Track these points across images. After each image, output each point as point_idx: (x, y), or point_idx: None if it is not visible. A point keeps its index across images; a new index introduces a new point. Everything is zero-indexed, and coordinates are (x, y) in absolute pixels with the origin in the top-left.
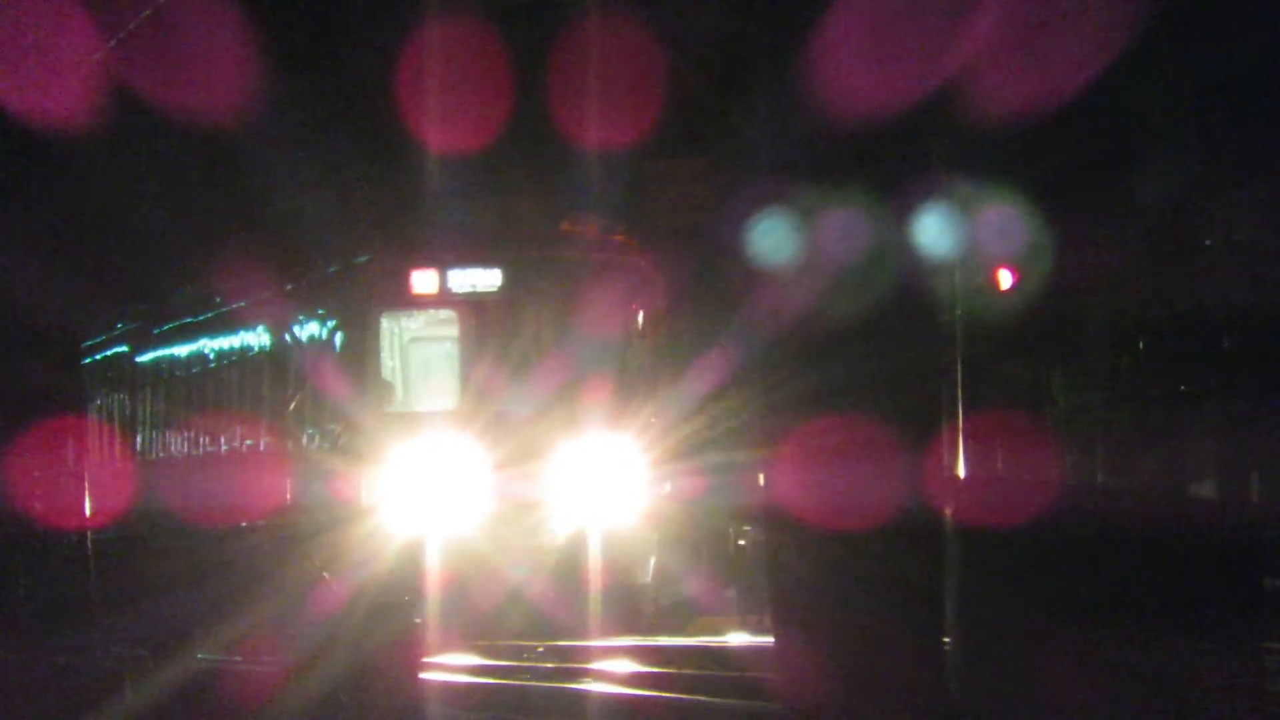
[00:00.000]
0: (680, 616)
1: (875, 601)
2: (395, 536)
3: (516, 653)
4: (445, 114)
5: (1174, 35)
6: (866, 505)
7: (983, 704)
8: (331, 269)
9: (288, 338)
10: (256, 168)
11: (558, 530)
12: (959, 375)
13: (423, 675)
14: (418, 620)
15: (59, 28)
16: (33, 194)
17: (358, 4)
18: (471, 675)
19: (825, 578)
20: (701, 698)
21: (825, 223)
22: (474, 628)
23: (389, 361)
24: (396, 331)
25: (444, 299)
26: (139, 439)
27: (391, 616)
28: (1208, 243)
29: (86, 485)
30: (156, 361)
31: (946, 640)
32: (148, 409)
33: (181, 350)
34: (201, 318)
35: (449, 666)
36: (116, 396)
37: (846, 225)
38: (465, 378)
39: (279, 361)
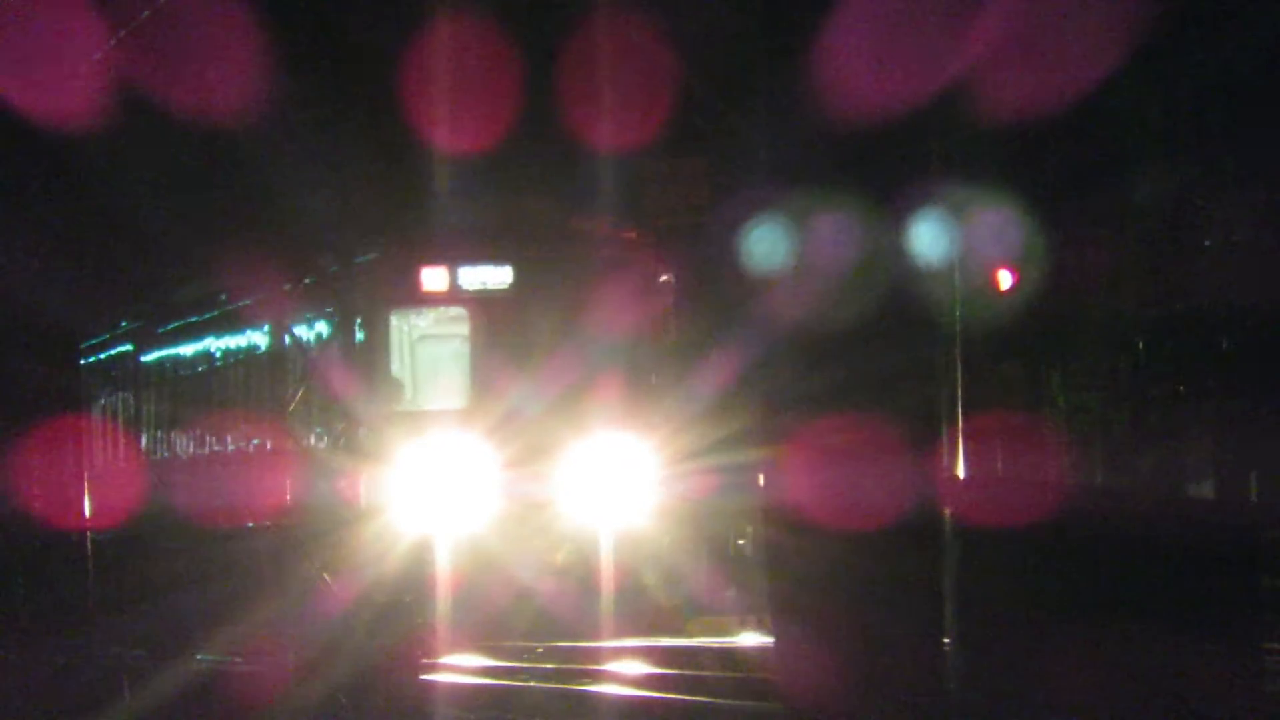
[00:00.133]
0: (681, 617)
1: (876, 601)
2: (403, 536)
3: (517, 653)
4: (450, 112)
5: (1172, 37)
6: (868, 505)
7: (982, 704)
8: (339, 266)
9: (294, 336)
10: (261, 165)
11: (567, 530)
12: (958, 376)
13: (425, 676)
14: (421, 621)
15: (61, 25)
16: (33, 191)
17: (361, 2)
18: (472, 676)
19: (826, 577)
20: (702, 698)
21: (824, 225)
22: (481, 628)
23: (398, 360)
24: (405, 329)
25: (454, 296)
26: (144, 438)
27: (397, 617)
28: (1206, 243)
29: (91, 486)
30: (160, 360)
31: (946, 640)
32: (152, 408)
33: (186, 349)
34: (206, 316)
35: (452, 667)
36: (120, 395)
37: (846, 227)
38: (474, 376)
39: (285, 360)
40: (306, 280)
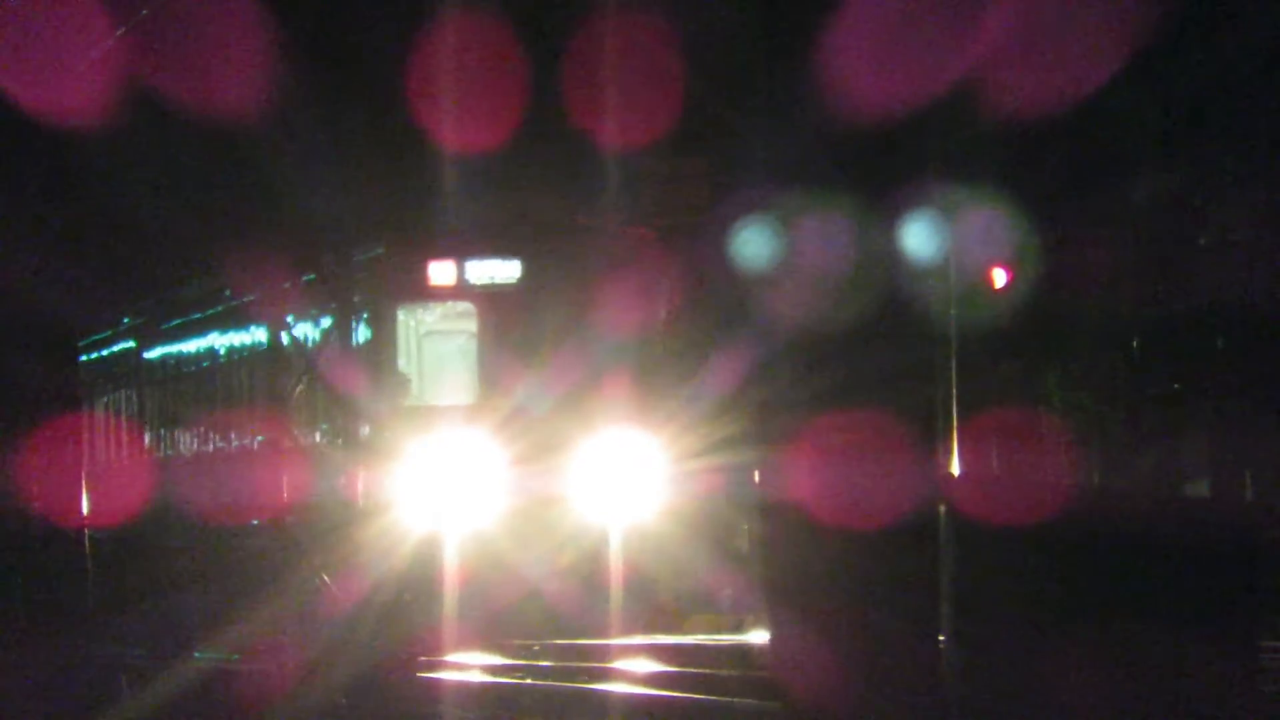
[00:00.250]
0: (681, 614)
1: (875, 599)
2: (410, 533)
3: (520, 651)
4: (451, 109)
5: (1169, 38)
6: (868, 503)
7: (979, 701)
8: (345, 261)
9: (300, 332)
10: (265, 161)
11: (575, 526)
12: (953, 376)
13: (424, 674)
14: (428, 618)
15: (62, 21)
16: (33, 188)
17: None
18: (476, 674)
19: (825, 575)
20: (700, 696)
21: (823, 225)
22: (488, 625)
23: (405, 355)
24: (412, 324)
25: (461, 291)
26: (146, 436)
27: (403, 615)
28: (1202, 243)
29: (93, 484)
30: (164, 357)
31: (942, 639)
32: (155, 405)
33: (189, 346)
34: (210, 313)
35: (457, 665)
36: (122, 393)
37: (845, 227)
38: (482, 372)
39: (291, 357)
40: (312, 276)
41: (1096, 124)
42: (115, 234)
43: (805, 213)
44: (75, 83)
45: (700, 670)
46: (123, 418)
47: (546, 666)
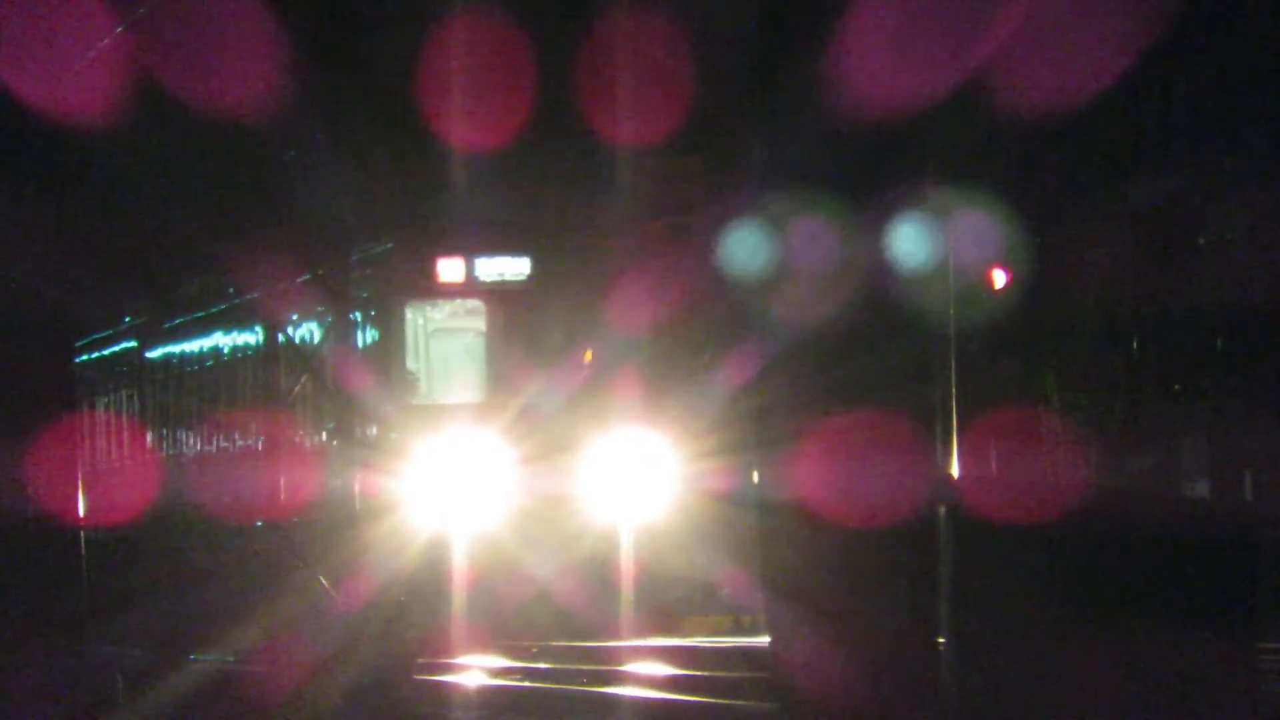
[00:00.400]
0: (687, 615)
1: (875, 599)
2: (418, 533)
3: (521, 653)
4: (460, 105)
5: (1169, 40)
6: (872, 503)
7: (978, 703)
8: (353, 257)
9: (306, 330)
10: (271, 156)
11: (584, 526)
12: (952, 375)
13: (429, 677)
14: (429, 620)
15: (66, 14)
16: (31, 185)
17: None
18: (476, 676)
19: (825, 575)
20: (697, 698)
21: (820, 226)
22: (494, 626)
23: (413, 353)
24: (421, 322)
25: (470, 288)
26: (149, 436)
27: (406, 616)
28: (1201, 242)
29: (95, 483)
30: (167, 356)
31: (941, 640)
32: (158, 404)
33: (193, 344)
34: (213, 310)
35: (458, 667)
36: (124, 392)
37: (842, 228)
38: (491, 370)
39: (296, 354)
40: (319, 273)
41: (1095, 124)
42: (117, 231)
43: (804, 213)
44: (79, 75)
45: (712, 673)
46: (124, 416)
47: (553, 669)
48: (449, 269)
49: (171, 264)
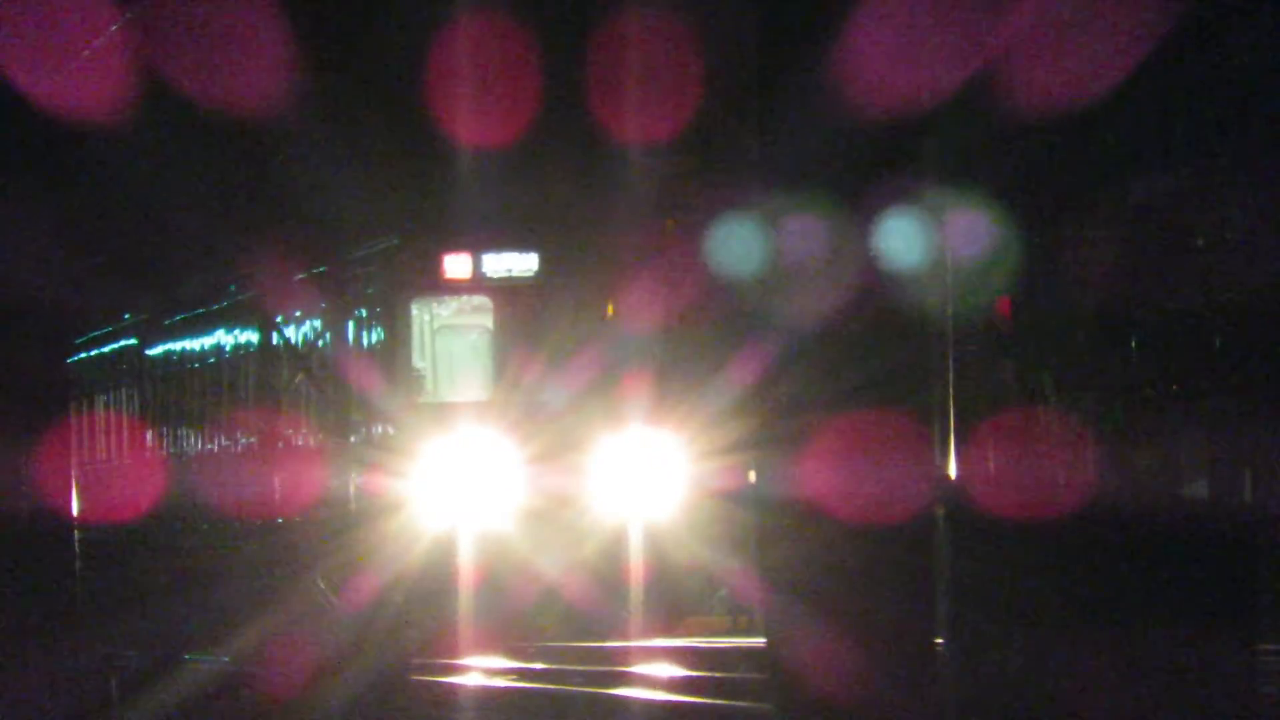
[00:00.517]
0: (693, 614)
1: (874, 599)
2: (424, 533)
3: (527, 654)
4: (467, 102)
5: (1170, 40)
6: (875, 503)
7: (975, 705)
8: (359, 253)
9: (309, 327)
10: (274, 152)
11: (592, 526)
12: (949, 376)
13: (433, 678)
14: (435, 621)
15: (67, 5)
16: (34, 179)
17: None
18: (481, 677)
19: (825, 574)
20: (692, 698)
21: (818, 225)
22: (501, 626)
23: (419, 351)
24: (427, 319)
25: (477, 285)
26: (150, 434)
27: (411, 617)
28: (1200, 243)
29: (97, 483)
30: (167, 354)
31: (940, 640)
32: (159, 403)
33: (194, 341)
34: (216, 307)
35: (463, 668)
36: (125, 390)
37: (841, 228)
38: (498, 368)
39: (300, 352)
40: (323, 269)
41: (1094, 124)
42: (118, 227)
43: (805, 213)
44: (78, 72)
45: (710, 674)
46: (124, 414)
47: (557, 670)
48: (455, 265)
49: (173, 260)
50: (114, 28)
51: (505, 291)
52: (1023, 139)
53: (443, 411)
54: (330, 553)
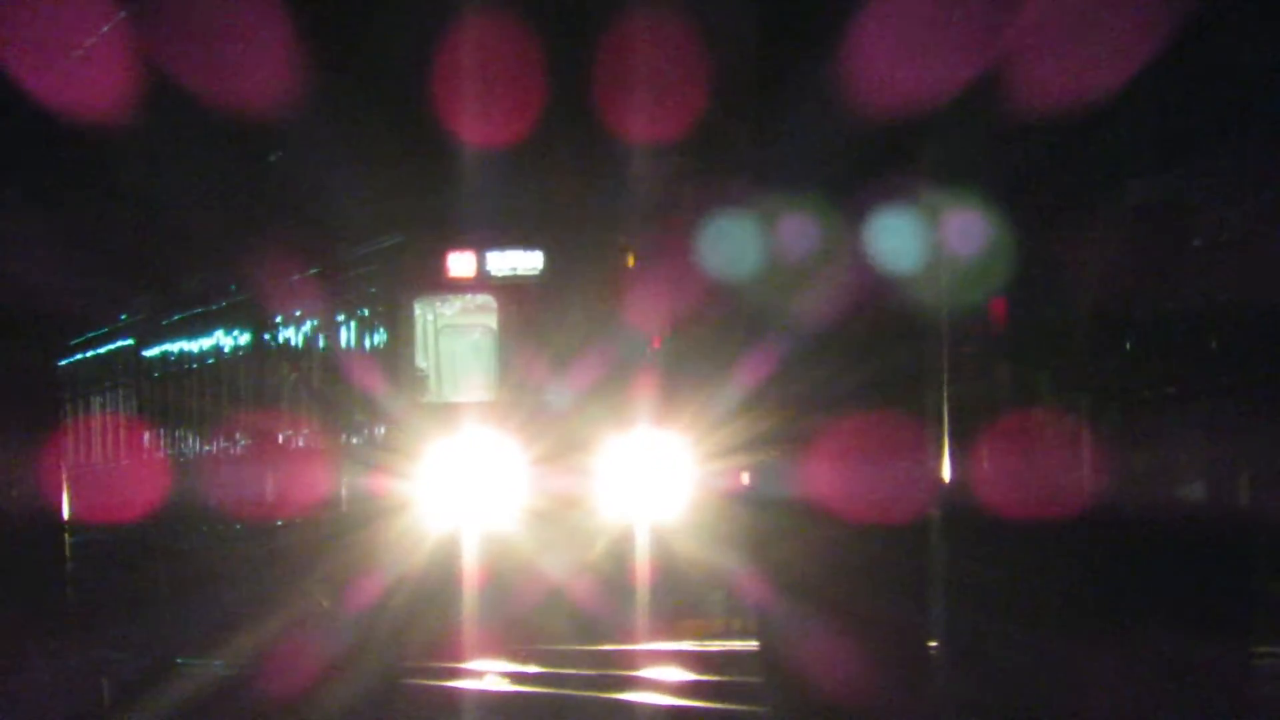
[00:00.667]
0: (678, 617)
1: (874, 600)
2: (427, 535)
3: (532, 657)
4: (471, 100)
5: (1165, 42)
6: (877, 505)
7: (969, 708)
8: (361, 252)
9: (311, 327)
10: (275, 149)
11: (599, 527)
12: (944, 377)
13: (426, 681)
14: (438, 624)
15: (64, 2)
16: (29, 179)
17: None
18: (484, 681)
19: (826, 575)
20: (688, 701)
21: (818, 225)
22: (505, 630)
23: (422, 350)
24: (430, 318)
25: (481, 283)
26: (148, 435)
27: (414, 620)
28: (1196, 244)
29: (95, 484)
30: (165, 354)
31: (934, 644)
32: (158, 404)
33: (192, 341)
34: (215, 307)
35: (467, 672)
36: (122, 391)
37: (841, 228)
38: (503, 368)
39: (301, 353)
40: (325, 267)
41: (1091, 126)
42: (115, 226)
43: (805, 213)
44: (74, 69)
45: (685, 675)
46: (122, 416)
47: (559, 674)
48: (459, 263)
49: (171, 260)
50: (110, 24)
51: (510, 290)
52: (1018, 140)
53: (446, 412)
54: (331, 555)
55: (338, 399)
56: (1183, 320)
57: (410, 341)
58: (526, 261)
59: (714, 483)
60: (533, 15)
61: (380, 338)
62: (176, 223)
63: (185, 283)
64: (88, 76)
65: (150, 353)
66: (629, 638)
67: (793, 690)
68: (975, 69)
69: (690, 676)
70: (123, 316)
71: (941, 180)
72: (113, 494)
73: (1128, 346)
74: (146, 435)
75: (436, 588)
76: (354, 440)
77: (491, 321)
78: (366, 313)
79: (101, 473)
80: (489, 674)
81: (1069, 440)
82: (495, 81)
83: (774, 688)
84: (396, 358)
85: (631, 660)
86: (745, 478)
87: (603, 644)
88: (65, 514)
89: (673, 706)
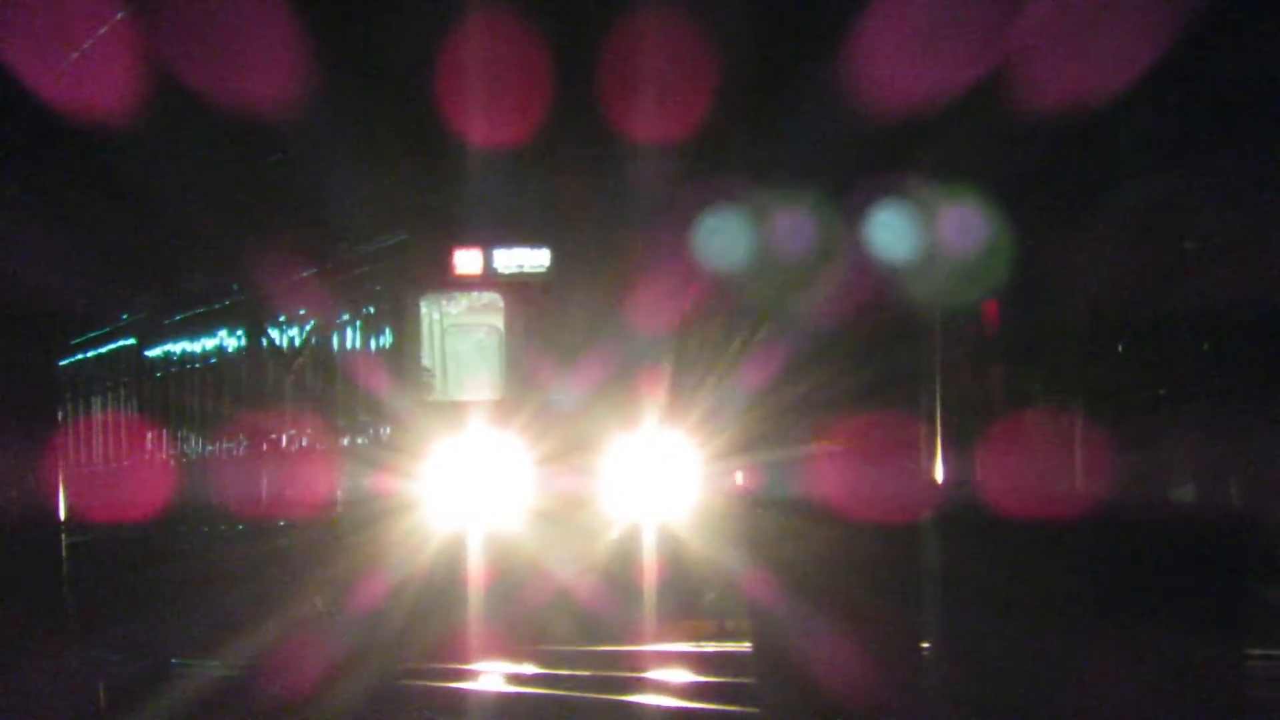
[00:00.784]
0: (673, 619)
1: (874, 602)
2: (433, 534)
3: (537, 659)
4: (476, 97)
5: (1160, 47)
6: (881, 502)
7: (962, 710)
8: (366, 250)
9: (315, 326)
10: (278, 148)
11: (605, 527)
12: (936, 379)
13: (431, 683)
14: (442, 625)
15: (70, 4)
16: (30, 178)
17: None
18: (488, 683)
19: (811, 577)
20: (692, 703)
21: (810, 229)
22: (510, 630)
23: (428, 349)
24: (436, 316)
25: (487, 280)
26: (150, 436)
27: (419, 621)
28: (1188, 247)
29: (94, 485)
30: (168, 354)
31: (925, 645)
32: (160, 404)
33: (196, 342)
34: (217, 306)
35: (444, 673)
36: (124, 391)
37: (841, 229)
38: (509, 366)
39: (306, 351)
40: (329, 266)
41: (1084, 130)
42: (116, 225)
43: (799, 215)
44: (76, 67)
45: (678, 677)
46: (125, 416)
47: (557, 676)
48: (465, 260)
49: (172, 259)
50: (110, 23)
51: (516, 288)
52: (1013, 144)
53: (452, 411)
54: (334, 556)
55: (342, 398)
56: (1175, 322)
57: (416, 340)
58: (533, 259)
59: (719, 483)
60: (540, 13)
61: (385, 336)
62: (179, 222)
63: (187, 282)
64: (89, 76)
65: (152, 352)
66: (635, 638)
67: (789, 690)
68: (971, 73)
69: (697, 678)
70: (124, 316)
71: (937, 183)
72: (114, 494)
73: (1120, 349)
74: (149, 435)
75: (442, 588)
76: (358, 440)
77: (498, 320)
78: (371, 311)
79: (103, 473)
80: (495, 675)
81: (1060, 441)
82: (500, 80)
83: (768, 688)
84: (402, 356)
85: (638, 661)
86: (739, 478)
87: (609, 645)
88: (62, 514)
89: (679, 709)
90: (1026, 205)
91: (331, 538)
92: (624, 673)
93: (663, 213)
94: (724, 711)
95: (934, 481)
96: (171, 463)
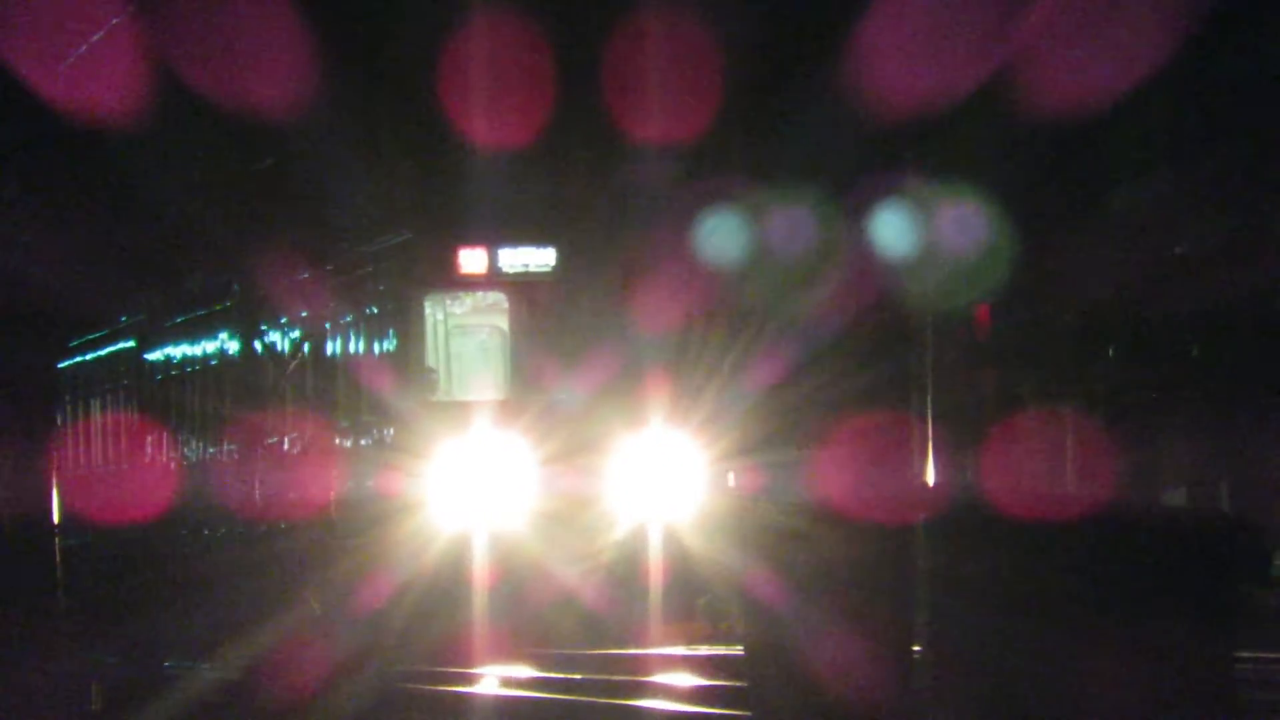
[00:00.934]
0: (678, 621)
1: (856, 606)
2: (437, 535)
3: (541, 661)
4: (480, 97)
5: (1156, 52)
6: (883, 503)
7: (963, 706)
8: (370, 249)
9: (318, 326)
10: (279, 147)
11: (611, 528)
12: (928, 383)
13: (434, 686)
14: (446, 627)
15: (71, 5)
16: (30, 179)
17: None
18: (460, 686)
19: (805, 579)
20: (683, 706)
21: (809, 229)
22: (515, 632)
23: (433, 348)
24: (441, 316)
25: (492, 280)
26: (151, 437)
27: (423, 623)
28: (1178, 251)
29: (95, 488)
30: (168, 356)
31: (917, 649)
32: (161, 405)
33: (195, 342)
34: (218, 308)
35: (440, 675)
36: (124, 393)
37: (842, 230)
38: (514, 366)
39: (308, 352)
40: (332, 265)
41: (1079, 137)
42: (117, 225)
43: (800, 215)
44: (78, 67)
45: (672, 680)
46: (125, 418)
47: (573, 679)
48: (470, 260)
49: (173, 259)
50: (111, 24)
51: (521, 287)
52: (1007, 150)
53: (456, 411)
54: (337, 558)
55: (345, 399)
56: (1165, 327)
57: (419, 340)
58: (539, 259)
59: (723, 483)
60: (546, 14)
61: (389, 337)
62: (179, 222)
63: (188, 282)
64: (89, 76)
65: (152, 354)
66: (639, 640)
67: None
68: (966, 79)
69: (701, 681)
70: (123, 317)
71: (934, 185)
72: (114, 497)
73: (1112, 352)
74: (149, 437)
75: (445, 589)
76: (361, 441)
77: (502, 320)
78: (375, 311)
79: (103, 475)
80: (499, 678)
81: (1057, 443)
82: (504, 79)
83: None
84: (405, 356)
85: (641, 665)
86: (741, 479)
87: (613, 647)
88: (61, 516)
89: (682, 713)
90: (1022, 209)
91: (333, 539)
92: (627, 676)
93: (666, 212)
94: (727, 716)
95: (927, 483)
96: (171, 464)
